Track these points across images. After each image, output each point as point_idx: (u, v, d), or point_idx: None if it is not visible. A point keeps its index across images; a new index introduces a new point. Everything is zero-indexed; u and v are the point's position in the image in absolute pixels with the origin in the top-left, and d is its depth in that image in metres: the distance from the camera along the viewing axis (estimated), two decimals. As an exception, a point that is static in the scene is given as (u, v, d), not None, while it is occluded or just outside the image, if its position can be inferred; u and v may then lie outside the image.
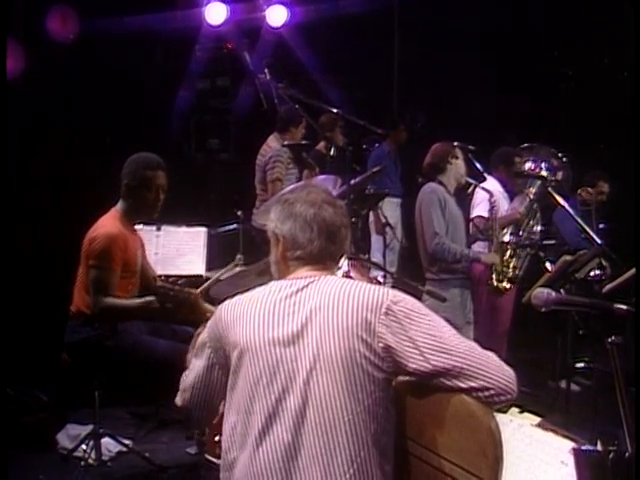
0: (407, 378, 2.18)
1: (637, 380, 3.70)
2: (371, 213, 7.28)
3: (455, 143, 5.33)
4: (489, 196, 5.34)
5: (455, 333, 2.14)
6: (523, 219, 5.42)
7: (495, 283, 5.23)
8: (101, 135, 6.72)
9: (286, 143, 6.06)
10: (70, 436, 4.61)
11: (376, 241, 7.60)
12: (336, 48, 7.96)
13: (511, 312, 5.55)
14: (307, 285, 2.23)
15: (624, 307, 2.36)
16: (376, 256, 7.13)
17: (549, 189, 5.15)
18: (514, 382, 2.09)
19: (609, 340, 2.36)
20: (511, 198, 5.77)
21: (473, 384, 2.06)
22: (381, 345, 2.11)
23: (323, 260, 2.31)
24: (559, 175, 5.39)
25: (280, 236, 2.34)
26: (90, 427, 4.35)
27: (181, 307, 3.69)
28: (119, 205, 4.16)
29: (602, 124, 7.79)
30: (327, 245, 2.30)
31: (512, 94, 8.30)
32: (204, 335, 2.36)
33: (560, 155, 5.43)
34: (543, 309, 2.46)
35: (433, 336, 2.10)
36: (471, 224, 5.53)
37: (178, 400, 2.45)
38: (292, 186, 4.55)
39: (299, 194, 2.37)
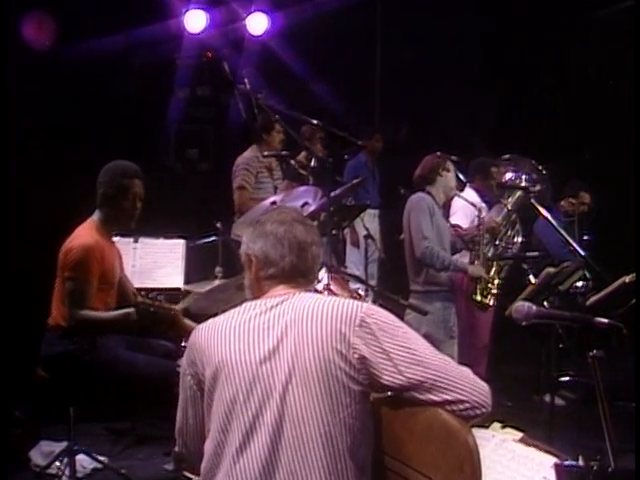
0: (383, 394, 2.20)
1: (637, 394, 3.73)
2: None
3: (438, 153, 5.38)
4: (477, 211, 5.38)
5: (429, 346, 2.17)
6: (500, 229, 5.46)
7: (479, 298, 5.25)
8: (78, 144, 6.70)
9: (266, 153, 6.08)
10: (43, 453, 4.58)
11: (351, 254, 7.60)
12: (319, 53, 7.98)
13: (489, 328, 5.58)
14: (281, 302, 2.26)
15: (605, 320, 2.38)
16: (351, 269, 7.15)
17: (532, 200, 5.19)
18: (488, 396, 2.11)
19: (590, 354, 2.38)
20: (489, 208, 5.81)
21: (447, 397, 2.08)
22: (356, 356, 2.13)
23: (296, 278, 2.35)
24: (537, 187, 5.44)
25: (252, 256, 2.38)
26: (64, 443, 4.31)
27: (161, 323, 3.69)
28: (95, 215, 4.14)
29: (586, 133, 7.86)
30: (299, 261, 2.34)
31: (496, 102, 8.36)
32: (182, 364, 2.37)
33: (540, 168, 5.48)
34: (524, 323, 2.48)
35: (407, 348, 2.13)
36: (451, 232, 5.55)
37: (176, 448, 2.44)
38: (267, 201, 4.57)
39: (270, 214, 2.45)
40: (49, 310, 4.11)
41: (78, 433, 4.30)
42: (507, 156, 5.72)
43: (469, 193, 5.74)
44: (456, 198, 5.55)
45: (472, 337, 5.45)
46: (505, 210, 5.44)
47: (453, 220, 5.62)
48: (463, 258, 5.39)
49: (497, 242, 5.45)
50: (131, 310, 3.84)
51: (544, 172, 5.48)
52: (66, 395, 4.15)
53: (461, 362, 2.18)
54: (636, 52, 6.12)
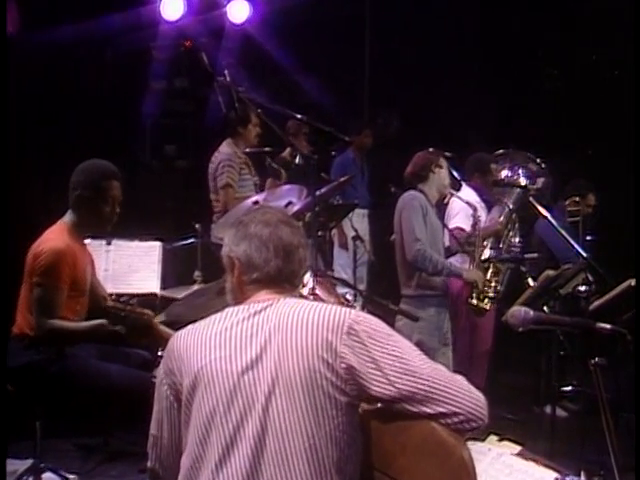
0: (373, 405, 2.20)
1: (637, 404, 3.73)
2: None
3: (430, 149, 5.38)
4: (472, 210, 5.38)
5: (421, 355, 2.16)
6: (503, 230, 5.46)
7: (475, 302, 5.25)
8: (45, 140, 6.66)
9: (248, 150, 6.07)
10: (7, 472, 4.53)
11: (339, 256, 7.60)
12: (304, 43, 7.97)
13: (492, 332, 5.58)
14: (265, 308, 2.25)
15: (608, 326, 2.38)
16: (339, 272, 7.14)
17: (531, 199, 5.20)
18: (484, 407, 2.11)
19: (592, 362, 2.38)
20: (489, 208, 5.81)
21: (441, 409, 2.07)
22: (343, 366, 2.12)
23: (281, 282, 2.33)
24: (539, 182, 5.45)
25: (235, 259, 2.36)
26: (30, 462, 4.25)
27: (134, 329, 3.67)
28: (67, 217, 4.11)
29: (590, 127, 7.89)
30: (284, 265, 2.33)
31: (493, 96, 8.37)
32: (159, 373, 2.35)
33: (538, 161, 5.49)
34: (520, 329, 2.48)
35: (398, 357, 2.12)
36: (449, 236, 5.55)
37: (148, 463, 2.41)
38: (249, 200, 4.56)
39: (254, 215, 2.42)
40: (13, 317, 4.08)
41: (45, 450, 4.26)
42: (502, 151, 5.73)
43: (467, 192, 5.72)
44: (454, 199, 5.55)
45: (473, 341, 5.44)
46: (506, 209, 5.45)
47: (454, 222, 5.60)
48: (464, 264, 5.38)
49: (501, 245, 5.46)
50: (104, 321, 3.82)
51: (543, 165, 5.49)
52: (32, 409, 4.12)
53: (458, 370, 2.17)
54: (636, 46, 6.15)
